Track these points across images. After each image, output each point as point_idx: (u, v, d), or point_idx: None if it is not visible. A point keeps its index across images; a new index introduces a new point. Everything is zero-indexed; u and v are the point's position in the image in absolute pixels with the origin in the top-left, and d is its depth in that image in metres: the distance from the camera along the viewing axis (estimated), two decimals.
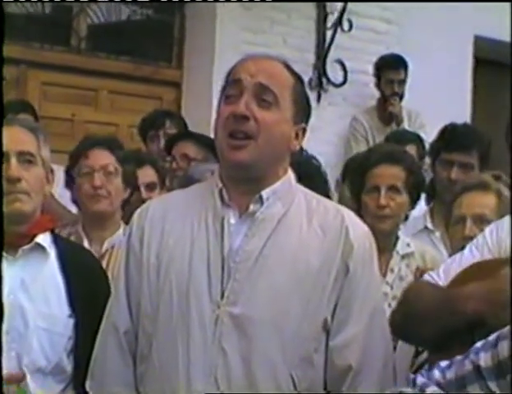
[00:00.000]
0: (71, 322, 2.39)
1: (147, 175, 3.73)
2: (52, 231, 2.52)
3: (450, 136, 3.81)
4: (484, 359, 1.66)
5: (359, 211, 3.00)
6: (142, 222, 2.21)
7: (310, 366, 2.09)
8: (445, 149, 3.79)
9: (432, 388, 1.71)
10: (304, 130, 2.20)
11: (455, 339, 2.06)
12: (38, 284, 2.39)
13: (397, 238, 3.17)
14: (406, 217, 3.22)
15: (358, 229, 2.18)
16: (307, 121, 2.22)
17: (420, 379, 1.74)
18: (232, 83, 2.13)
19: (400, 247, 3.16)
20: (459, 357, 1.73)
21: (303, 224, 2.14)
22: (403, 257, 3.15)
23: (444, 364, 1.75)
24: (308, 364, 2.08)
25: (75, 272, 2.44)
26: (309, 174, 2.79)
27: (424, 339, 2.24)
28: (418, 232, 3.72)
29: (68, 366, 2.39)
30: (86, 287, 2.42)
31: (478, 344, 1.72)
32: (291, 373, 2.06)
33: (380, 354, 2.14)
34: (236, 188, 2.14)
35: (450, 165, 3.75)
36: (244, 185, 2.14)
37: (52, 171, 2.51)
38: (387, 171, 3.12)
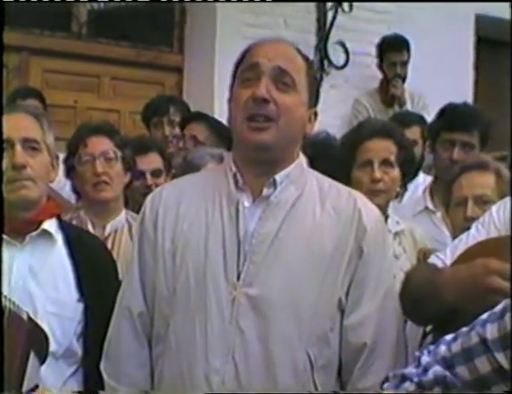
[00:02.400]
0: (80, 306, 2.42)
1: (152, 161, 3.72)
2: (59, 217, 2.53)
3: (451, 116, 3.77)
4: (491, 332, 1.67)
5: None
6: (155, 206, 2.23)
7: (326, 344, 2.14)
8: (446, 129, 3.75)
9: (435, 369, 1.72)
10: (316, 114, 2.24)
11: (459, 316, 2.08)
12: (46, 270, 2.42)
13: (387, 216, 3.13)
14: (397, 195, 3.20)
15: (371, 212, 2.22)
16: (316, 105, 2.25)
17: (424, 358, 1.76)
18: (250, 67, 2.15)
19: (391, 225, 3.13)
20: (464, 329, 1.74)
21: (316, 207, 2.17)
22: (394, 235, 3.13)
23: (449, 337, 1.76)
24: (324, 342, 2.13)
25: (82, 257, 2.46)
26: (327, 153, 2.81)
27: (424, 319, 2.27)
28: (418, 213, 3.71)
29: (78, 349, 2.42)
30: (94, 272, 2.45)
31: (484, 315, 1.72)
32: (308, 351, 2.11)
33: (393, 332, 2.19)
34: (250, 172, 2.17)
35: (452, 145, 3.71)
36: (259, 168, 2.16)
37: (57, 157, 2.53)
38: (380, 145, 3.10)
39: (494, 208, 2.35)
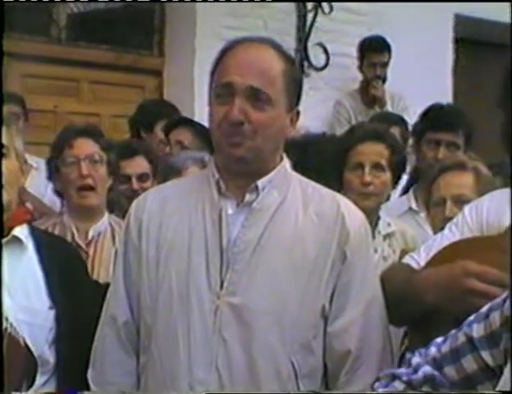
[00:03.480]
0: (52, 313, 2.36)
1: (138, 165, 3.71)
2: (29, 223, 2.49)
3: (437, 116, 3.80)
4: (477, 330, 1.69)
5: (340, 190, 2.99)
6: (139, 214, 2.21)
7: (310, 352, 2.11)
8: (431, 129, 3.77)
9: (424, 369, 1.74)
10: (298, 113, 2.19)
11: (434, 317, 2.09)
12: (16, 277, 2.35)
13: (378, 218, 3.17)
14: (388, 197, 3.23)
15: (354, 216, 2.19)
16: (298, 103, 2.19)
17: (415, 359, 1.78)
18: (222, 85, 2.10)
19: (382, 227, 3.16)
20: (453, 331, 1.76)
21: (299, 212, 2.14)
22: (385, 237, 3.15)
23: (440, 340, 1.78)
24: (307, 350, 2.11)
25: (53, 263, 2.41)
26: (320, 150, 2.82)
27: (401, 320, 2.28)
28: (402, 213, 3.73)
29: (50, 357, 2.36)
30: (65, 278, 2.40)
31: (471, 317, 1.74)
32: (291, 359, 2.09)
33: (378, 338, 2.16)
34: (233, 178, 2.15)
35: (437, 144, 3.73)
36: (242, 176, 2.14)
37: (26, 162, 2.49)
38: (372, 149, 3.12)
39: (466, 210, 2.36)
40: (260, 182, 2.13)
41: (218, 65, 2.15)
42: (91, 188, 3.16)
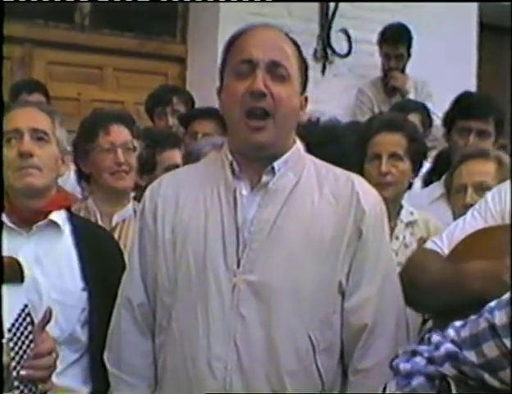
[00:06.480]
0: (85, 295, 2.44)
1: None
2: (68, 209, 2.57)
3: (467, 104, 3.80)
4: (499, 317, 1.68)
5: None
6: (154, 198, 2.25)
7: (328, 328, 2.15)
8: (461, 117, 3.77)
9: (447, 346, 1.74)
10: (306, 99, 2.24)
11: (463, 308, 2.09)
12: (51, 259, 2.45)
13: (401, 206, 3.18)
14: (410, 186, 3.23)
15: (369, 194, 2.22)
16: (305, 90, 2.24)
17: (435, 337, 1.78)
18: (243, 61, 2.13)
19: (404, 215, 3.17)
20: (473, 317, 1.75)
21: (314, 192, 2.18)
22: (407, 225, 3.16)
23: (458, 323, 1.78)
24: (326, 325, 2.14)
25: (88, 248, 2.50)
26: (336, 138, 2.83)
27: (429, 308, 2.28)
28: (435, 199, 3.72)
29: (82, 336, 2.45)
30: (100, 262, 2.47)
31: (492, 303, 1.73)
32: (310, 334, 2.11)
33: (393, 313, 2.19)
34: (247, 160, 2.17)
35: (468, 132, 3.73)
36: (257, 160, 2.17)
37: (67, 152, 2.57)
38: (388, 139, 3.13)
39: (489, 197, 2.36)
40: (276, 164, 2.16)
41: (234, 46, 2.18)
42: (126, 173, 3.19)
